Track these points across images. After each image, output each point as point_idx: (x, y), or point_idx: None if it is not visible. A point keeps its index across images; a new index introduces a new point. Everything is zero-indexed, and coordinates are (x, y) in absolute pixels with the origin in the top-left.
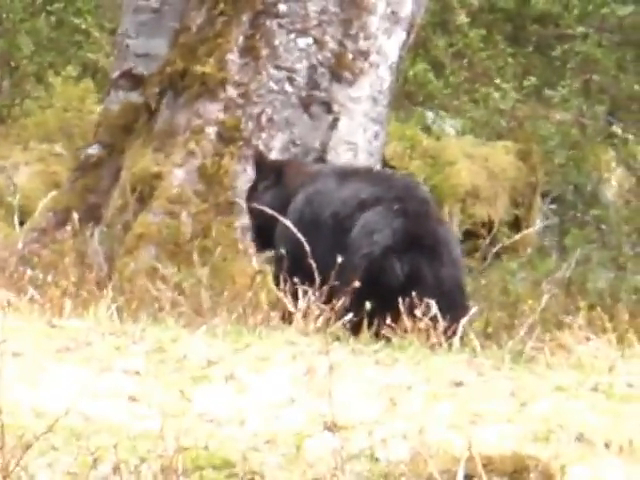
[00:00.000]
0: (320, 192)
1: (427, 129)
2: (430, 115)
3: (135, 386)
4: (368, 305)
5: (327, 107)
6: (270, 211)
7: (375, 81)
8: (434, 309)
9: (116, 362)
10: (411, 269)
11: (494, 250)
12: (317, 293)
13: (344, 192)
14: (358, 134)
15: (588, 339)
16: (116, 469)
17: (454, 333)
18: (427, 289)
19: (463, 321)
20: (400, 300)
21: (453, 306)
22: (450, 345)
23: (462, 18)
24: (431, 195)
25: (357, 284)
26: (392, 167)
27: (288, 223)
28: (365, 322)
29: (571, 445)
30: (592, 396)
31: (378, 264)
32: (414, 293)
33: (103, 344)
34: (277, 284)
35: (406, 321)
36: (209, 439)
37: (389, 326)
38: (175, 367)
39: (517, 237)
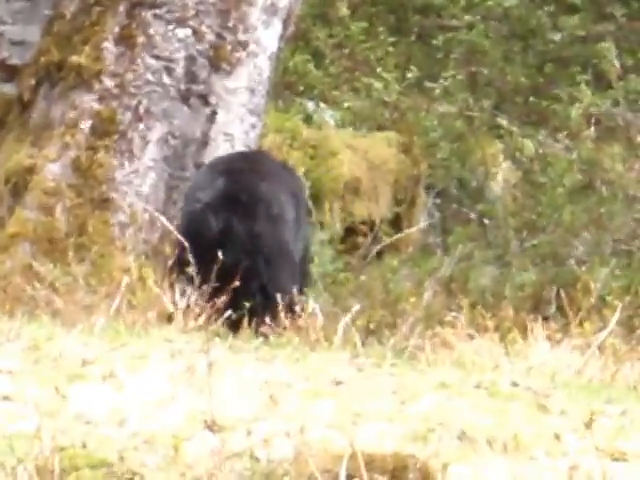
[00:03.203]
0: None
1: (307, 119)
2: (310, 105)
3: (10, 385)
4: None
5: (205, 99)
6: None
7: (253, 72)
8: (312, 305)
9: None
10: (224, 225)
11: (376, 249)
12: (198, 291)
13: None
14: (235, 125)
15: (471, 337)
16: None
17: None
18: (239, 244)
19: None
20: (259, 299)
21: (271, 263)
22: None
23: (343, 10)
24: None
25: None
26: None
27: (164, 220)
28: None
29: (452, 443)
30: (475, 394)
31: (196, 220)
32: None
33: None
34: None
35: (284, 318)
36: (86, 439)
37: (269, 325)
38: (51, 366)
39: (400, 235)
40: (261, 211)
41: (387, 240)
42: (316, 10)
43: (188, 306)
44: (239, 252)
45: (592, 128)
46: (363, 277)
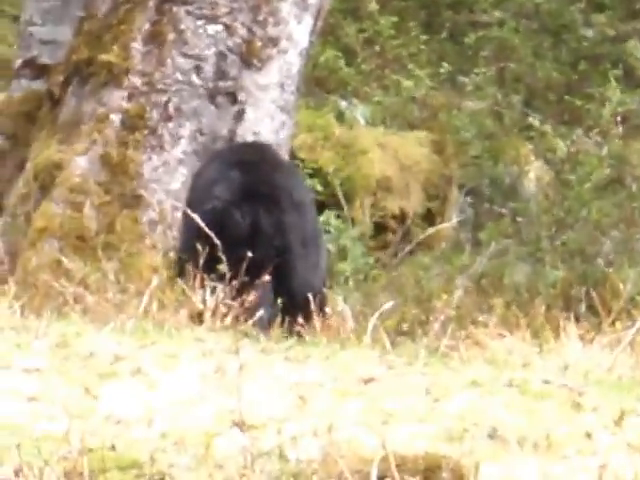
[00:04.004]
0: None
1: (339, 116)
2: (342, 103)
3: (38, 384)
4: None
5: (233, 97)
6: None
7: (283, 67)
8: (341, 304)
9: (17, 359)
10: (252, 219)
11: (408, 247)
12: (227, 289)
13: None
14: (264, 123)
15: (502, 336)
16: (18, 471)
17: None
18: (269, 237)
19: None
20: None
21: (301, 254)
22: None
23: (373, 5)
24: (273, 149)
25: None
26: (301, 159)
27: (196, 217)
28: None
29: (484, 442)
30: (506, 392)
31: (221, 217)
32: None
33: (3, 341)
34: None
35: (316, 319)
36: (116, 439)
37: (301, 325)
38: (80, 364)
39: (431, 231)
40: (286, 200)
41: (419, 237)
42: (345, 5)
43: (217, 306)
44: (268, 247)
45: (620, 126)
46: (394, 274)
